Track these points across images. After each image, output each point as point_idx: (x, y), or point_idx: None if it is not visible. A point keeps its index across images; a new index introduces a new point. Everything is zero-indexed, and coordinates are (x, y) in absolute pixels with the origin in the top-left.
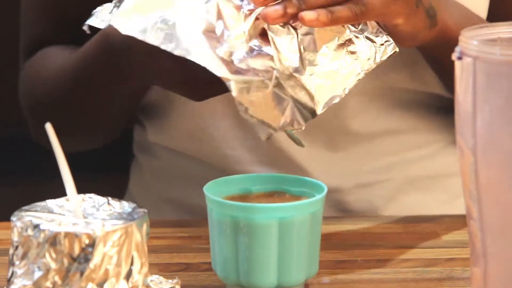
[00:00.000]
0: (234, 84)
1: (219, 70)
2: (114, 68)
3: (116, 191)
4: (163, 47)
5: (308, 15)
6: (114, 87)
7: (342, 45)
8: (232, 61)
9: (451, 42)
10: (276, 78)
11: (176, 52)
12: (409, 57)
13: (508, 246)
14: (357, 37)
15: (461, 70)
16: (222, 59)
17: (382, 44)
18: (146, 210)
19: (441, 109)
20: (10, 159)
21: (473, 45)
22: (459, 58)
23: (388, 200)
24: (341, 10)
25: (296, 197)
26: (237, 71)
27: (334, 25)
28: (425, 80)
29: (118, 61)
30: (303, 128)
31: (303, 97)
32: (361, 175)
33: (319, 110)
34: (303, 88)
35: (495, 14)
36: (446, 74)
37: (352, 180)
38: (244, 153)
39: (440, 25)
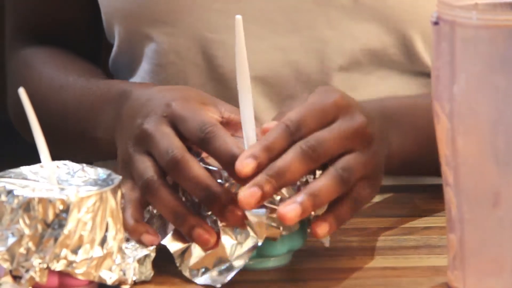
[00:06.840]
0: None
1: None
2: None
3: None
4: None
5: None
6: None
7: None
8: None
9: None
10: None
11: None
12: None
13: (483, 212)
14: None
15: (438, 35)
16: None
17: None
18: (121, 177)
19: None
20: None
21: (449, 10)
22: (436, 23)
23: None
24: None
25: None
26: None
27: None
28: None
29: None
30: None
31: None
32: None
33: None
34: None
35: None
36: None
37: None
38: None
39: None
